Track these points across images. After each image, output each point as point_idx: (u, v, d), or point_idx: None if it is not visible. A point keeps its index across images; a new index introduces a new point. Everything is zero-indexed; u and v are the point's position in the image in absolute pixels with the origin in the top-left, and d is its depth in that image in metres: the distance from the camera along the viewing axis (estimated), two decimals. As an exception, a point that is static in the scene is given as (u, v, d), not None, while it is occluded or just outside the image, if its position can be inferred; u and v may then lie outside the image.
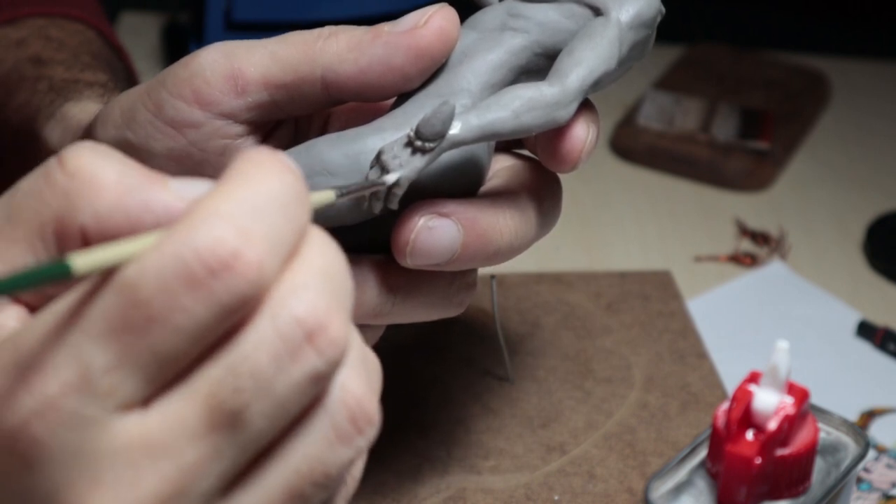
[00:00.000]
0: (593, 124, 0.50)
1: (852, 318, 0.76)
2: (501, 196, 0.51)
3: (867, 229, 0.84)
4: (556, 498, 0.61)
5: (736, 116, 0.92)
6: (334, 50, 0.49)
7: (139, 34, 0.99)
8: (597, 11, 0.50)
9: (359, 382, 0.36)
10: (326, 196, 0.40)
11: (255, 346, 0.34)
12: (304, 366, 0.34)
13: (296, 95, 0.50)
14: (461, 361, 0.68)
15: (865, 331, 0.75)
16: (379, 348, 0.52)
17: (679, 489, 0.49)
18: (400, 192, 0.46)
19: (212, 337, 0.34)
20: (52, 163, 0.35)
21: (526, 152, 0.54)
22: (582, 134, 0.50)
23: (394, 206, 0.47)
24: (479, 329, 0.70)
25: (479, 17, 0.51)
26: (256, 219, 0.34)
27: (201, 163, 0.50)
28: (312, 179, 0.48)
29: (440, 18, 0.49)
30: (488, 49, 0.50)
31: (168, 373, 0.34)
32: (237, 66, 0.49)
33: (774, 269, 0.81)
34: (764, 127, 0.91)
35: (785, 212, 0.87)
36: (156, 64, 0.95)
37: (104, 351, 0.33)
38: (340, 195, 0.41)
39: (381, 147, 0.46)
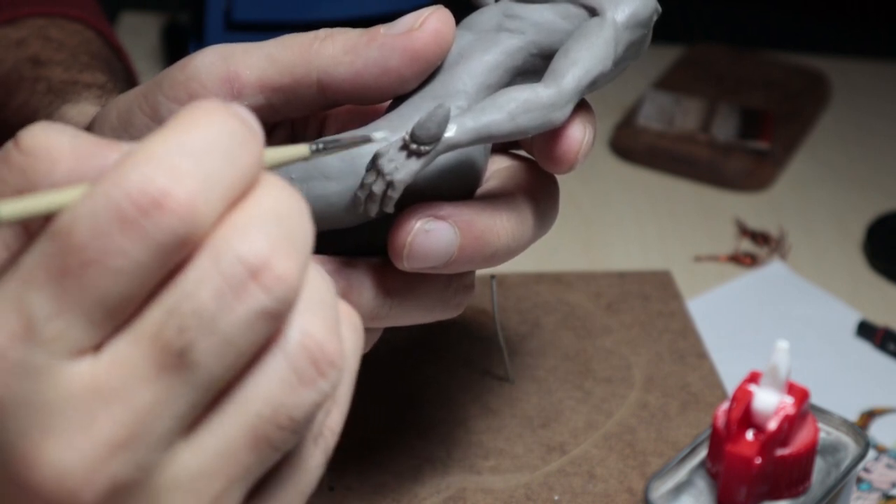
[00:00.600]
0: (590, 125, 0.50)
1: (852, 318, 0.76)
2: (498, 198, 0.50)
3: (867, 229, 0.84)
4: (556, 498, 0.61)
5: (736, 116, 0.92)
6: (330, 53, 0.49)
7: (139, 34, 0.99)
8: (592, 11, 0.50)
9: (320, 326, 0.36)
10: (300, 150, 0.39)
11: (196, 285, 0.34)
12: (250, 303, 0.34)
13: (292, 98, 0.50)
14: (461, 361, 0.68)
15: (865, 331, 0.75)
16: (378, 349, 0.52)
17: (679, 489, 0.49)
18: (396, 195, 0.46)
19: (155, 278, 0.34)
20: (8, 145, 0.36)
21: (523, 153, 0.54)
22: (578, 135, 0.50)
23: (390, 209, 0.47)
24: (479, 329, 0.70)
25: (475, 18, 0.51)
26: (190, 159, 0.34)
27: None
28: (309, 183, 0.48)
29: (435, 21, 0.49)
30: (484, 50, 0.50)
31: (115, 317, 0.34)
32: (233, 69, 0.49)
33: (774, 269, 0.81)
34: (764, 127, 0.91)
35: (785, 212, 0.87)
36: (156, 64, 0.95)
37: (45, 298, 0.33)
38: (316, 150, 0.40)
39: (377, 150, 0.46)
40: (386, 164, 0.46)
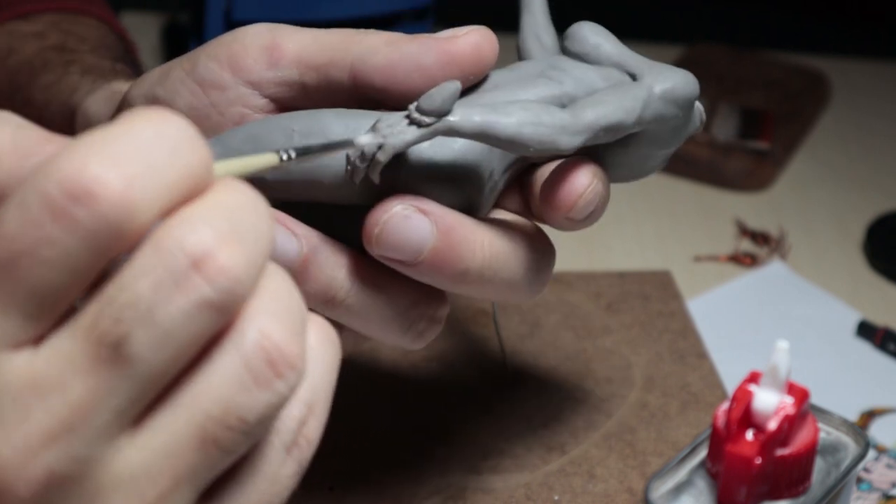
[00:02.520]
0: (600, 182, 0.50)
1: (852, 318, 0.76)
2: (489, 222, 0.50)
3: (867, 229, 0.84)
4: (556, 498, 0.61)
5: (736, 116, 0.92)
6: (371, 41, 0.50)
7: (139, 34, 0.99)
8: (634, 77, 0.51)
9: (280, 328, 0.35)
10: (269, 159, 0.39)
11: (135, 276, 0.33)
12: (191, 294, 0.33)
13: (323, 81, 0.50)
14: (461, 361, 0.68)
15: (865, 331, 0.75)
16: (378, 348, 0.52)
17: (679, 489, 0.49)
18: (383, 158, 0.46)
19: (91, 270, 0.33)
20: None
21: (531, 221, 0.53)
22: (584, 181, 0.49)
23: (375, 177, 0.47)
24: (480, 329, 0.71)
25: (521, 64, 0.52)
26: (126, 149, 0.33)
27: (218, 127, 0.50)
28: (308, 139, 0.48)
29: (478, 35, 0.49)
30: (520, 87, 0.50)
31: (52, 309, 0.33)
32: (278, 40, 0.50)
33: (774, 269, 0.81)
34: (764, 127, 0.91)
35: (785, 212, 0.87)
36: (155, 63, 0.95)
37: None
38: (288, 157, 0.39)
39: (381, 116, 0.47)
40: (384, 128, 0.46)
